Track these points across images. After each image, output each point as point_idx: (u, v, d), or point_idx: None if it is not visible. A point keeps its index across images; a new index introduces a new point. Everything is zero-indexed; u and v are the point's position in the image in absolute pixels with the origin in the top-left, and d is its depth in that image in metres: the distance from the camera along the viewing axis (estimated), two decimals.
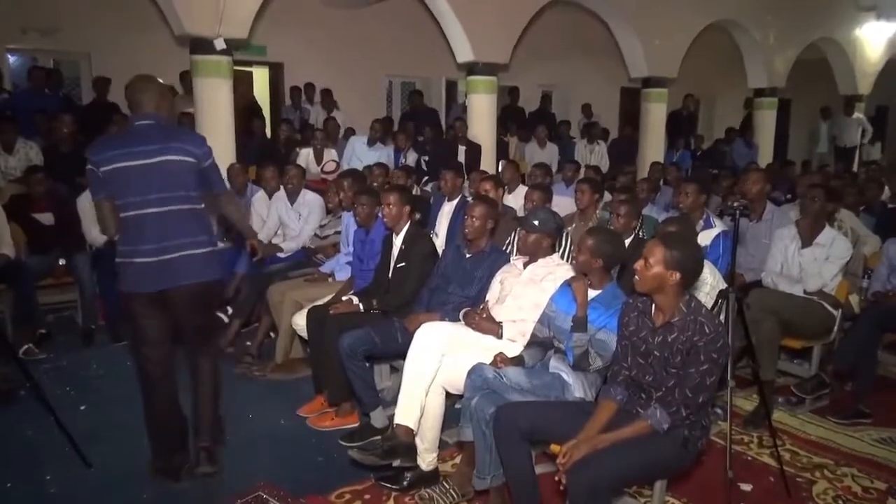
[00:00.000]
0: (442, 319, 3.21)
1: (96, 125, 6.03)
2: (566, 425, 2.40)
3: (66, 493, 2.90)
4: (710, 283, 3.26)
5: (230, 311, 4.72)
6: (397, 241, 3.71)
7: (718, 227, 4.03)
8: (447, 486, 2.82)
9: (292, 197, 5.05)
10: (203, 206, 2.92)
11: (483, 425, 2.54)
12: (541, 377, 2.74)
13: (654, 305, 2.38)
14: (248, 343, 4.49)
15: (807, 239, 3.86)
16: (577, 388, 2.69)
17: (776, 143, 11.02)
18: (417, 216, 3.97)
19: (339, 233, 4.65)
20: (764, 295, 3.75)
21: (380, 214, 3.80)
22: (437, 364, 2.92)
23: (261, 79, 9.58)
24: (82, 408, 3.70)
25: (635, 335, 2.42)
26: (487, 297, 3.24)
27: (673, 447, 2.31)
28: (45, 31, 7.66)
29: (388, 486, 2.91)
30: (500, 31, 7.44)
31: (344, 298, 3.73)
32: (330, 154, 7.09)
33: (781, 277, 3.87)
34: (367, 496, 2.88)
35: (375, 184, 5.24)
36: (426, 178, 7.26)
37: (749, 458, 3.27)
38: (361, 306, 3.59)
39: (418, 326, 3.07)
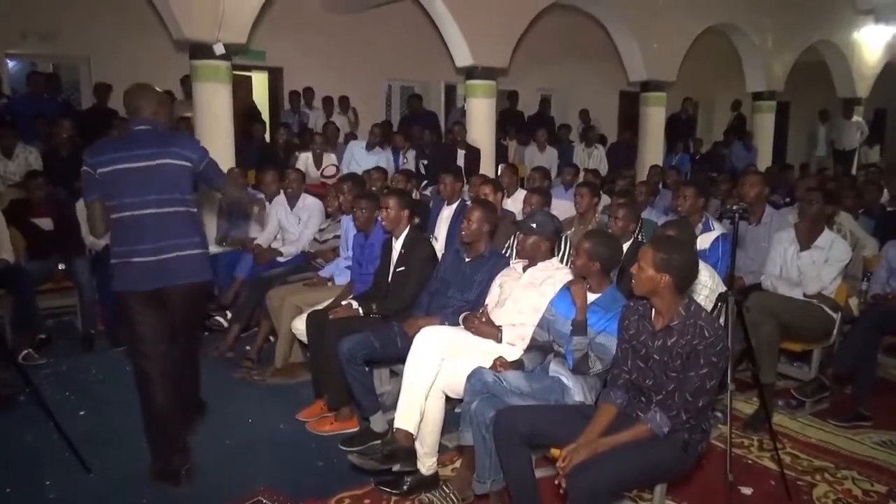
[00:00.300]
0: (441, 323, 3.21)
1: (96, 130, 6.03)
2: (566, 429, 2.40)
3: (65, 498, 2.90)
4: (710, 286, 3.25)
5: (229, 315, 4.72)
6: (397, 245, 3.71)
7: (717, 230, 4.03)
8: (447, 491, 2.82)
9: (292, 201, 5.06)
10: (196, 209, 3.00)
11: (483, 429, 2.54)
12: (540, 381, 2.74)
13: (653, 309, 2.38)
14: (248, 347, 4.49)
15: (806, 242, 3.86)
16: (577, 391, 2.69)
17: (775, 147, 11.00)
18: (417, 220, 3.97)
19: (338, 237, 4.65)
20: (763, 298, 3.75)
21: (379, 218, 3.80)
22: (436, 368, 2.92)
23: (260, 83, 9.60)
24: (82, 413, 3.70)
25: (635, 339, 2.42)
26: (487, 301, 3.24)
27: (673, 451, 2.31)
28: (45, 35, 7.66)
29: (388, 490, 2.90)
30: (499, 35, 7.44)
31: (343, 303, 3.73)
32: (329, 158, 7.10)
33: (781, 280, 3.87)
34: (366, 501, 2.87)
35: (374, 188, 5.24)
36: (425, 182, 7.26)
37: (749, 461, 3.26)
38: (361, 310, 3.58)
39: (418, 331, 3.07)
